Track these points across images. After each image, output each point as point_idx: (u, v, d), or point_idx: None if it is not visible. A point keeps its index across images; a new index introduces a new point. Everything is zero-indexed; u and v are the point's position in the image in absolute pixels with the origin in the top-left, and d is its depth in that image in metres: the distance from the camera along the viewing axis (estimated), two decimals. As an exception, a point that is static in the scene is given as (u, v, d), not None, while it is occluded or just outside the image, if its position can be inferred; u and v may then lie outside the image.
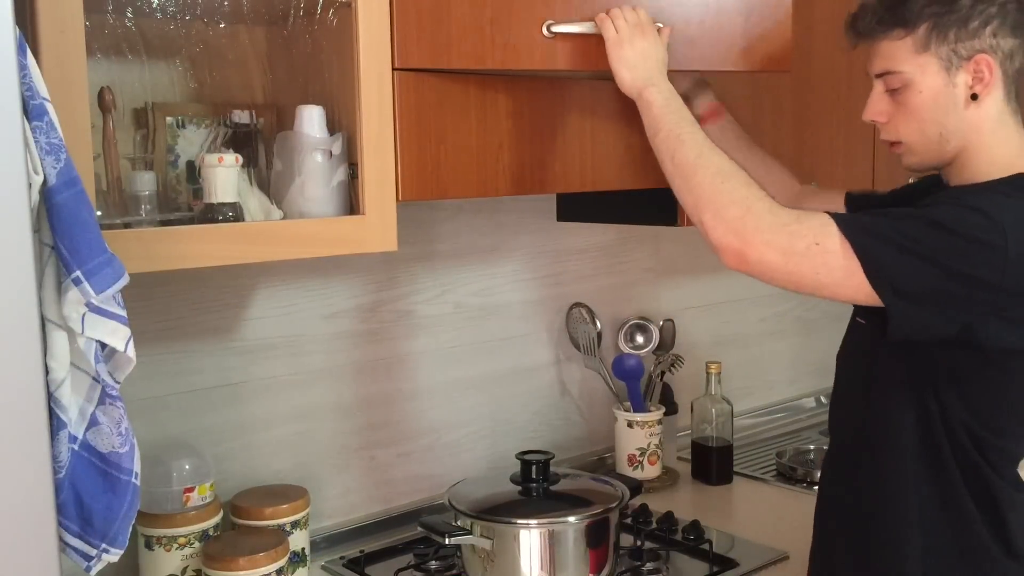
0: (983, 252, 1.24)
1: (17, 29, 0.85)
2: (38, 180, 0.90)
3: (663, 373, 2.19)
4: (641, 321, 2.24)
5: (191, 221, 1.36)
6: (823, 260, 1.27)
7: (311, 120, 1.39)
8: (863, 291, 1.27)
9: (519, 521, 1.57)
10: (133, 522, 1.04)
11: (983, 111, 1.35)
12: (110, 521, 1.01)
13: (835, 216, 1.29)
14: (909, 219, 1.28)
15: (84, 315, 0.96)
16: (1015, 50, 1.35)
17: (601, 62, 1.50)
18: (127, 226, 1.31)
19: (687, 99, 1.60)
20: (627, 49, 1.46)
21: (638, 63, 1.46)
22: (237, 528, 1.61)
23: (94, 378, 1.00)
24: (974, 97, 1.34)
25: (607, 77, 1.56)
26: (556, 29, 1.48)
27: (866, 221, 1.29)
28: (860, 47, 1.42)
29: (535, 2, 1.47)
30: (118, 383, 1.03)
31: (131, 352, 1.02)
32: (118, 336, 1.00)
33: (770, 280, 1.31)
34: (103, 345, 1.00)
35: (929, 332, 1.29)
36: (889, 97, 1.39)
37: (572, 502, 1.74)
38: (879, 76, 1.40)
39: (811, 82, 2.03)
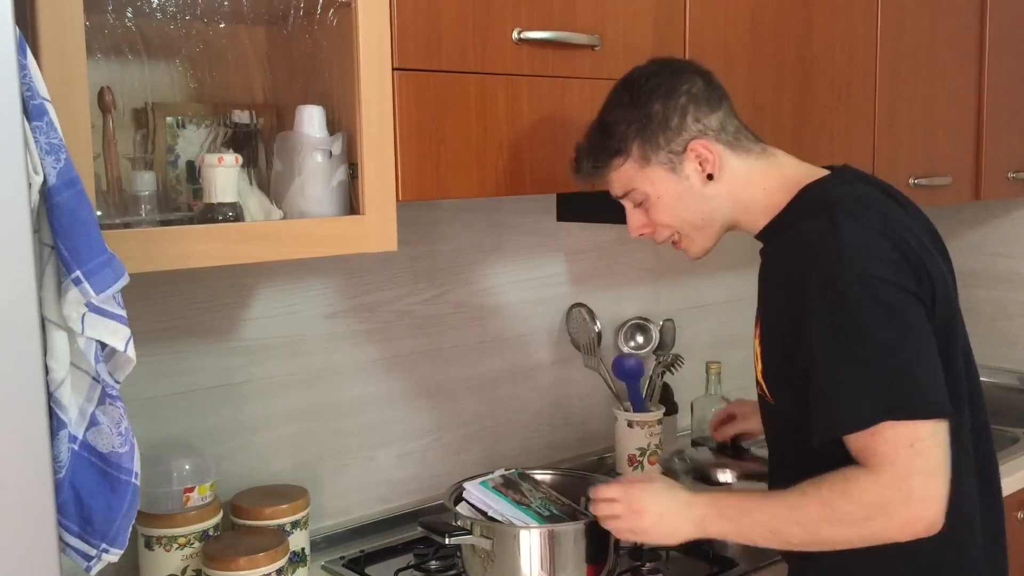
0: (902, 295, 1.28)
1: (17, 29, 0.85)
2: (38, 180, 0.90)
3: (663, 373, 2.19)
4: (641, 321, 2.24)
5: (191, 221, 1.36)
6: (926, 446, 1.24)
7: (311, 120, 1.39)
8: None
9: (519, 521, 1.57)
10: (133, 522, 1.04)
11: (727, 180, 1.42)
12: (110, 521, 1.01)
13: (854, 424, 1.26)
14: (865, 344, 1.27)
15: (84, 315, 0.96)
16: (723, 119, 1.43)
17: (563, 69, 1.56)
18: (127, 226, 1.31)
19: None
20: (646, 534, 1.43)
21: (663, 529, 1.41)
22: (237, 528, 1.61)
23: (94, 378, 1.00)
24: (710, 177, 1.42)
25: (605, 77, 1.56)
26: (525, 36, 1.52)
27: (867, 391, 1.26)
28: (596, 184, 1.49)
29: (507, 10, 1.50)
30: (118, 383, 1.03)
31: (131, 352, 1.02)
32: (118, 336, 1.00)
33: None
34: (103, 345, 1.00)
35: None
36: (641, 209, 1.47)
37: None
38: (621, 198, 1.48)
39: (811, 82, 2.03)
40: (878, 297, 1.26)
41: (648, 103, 1.41)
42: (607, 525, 1.46)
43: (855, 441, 1.27)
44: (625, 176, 1.44)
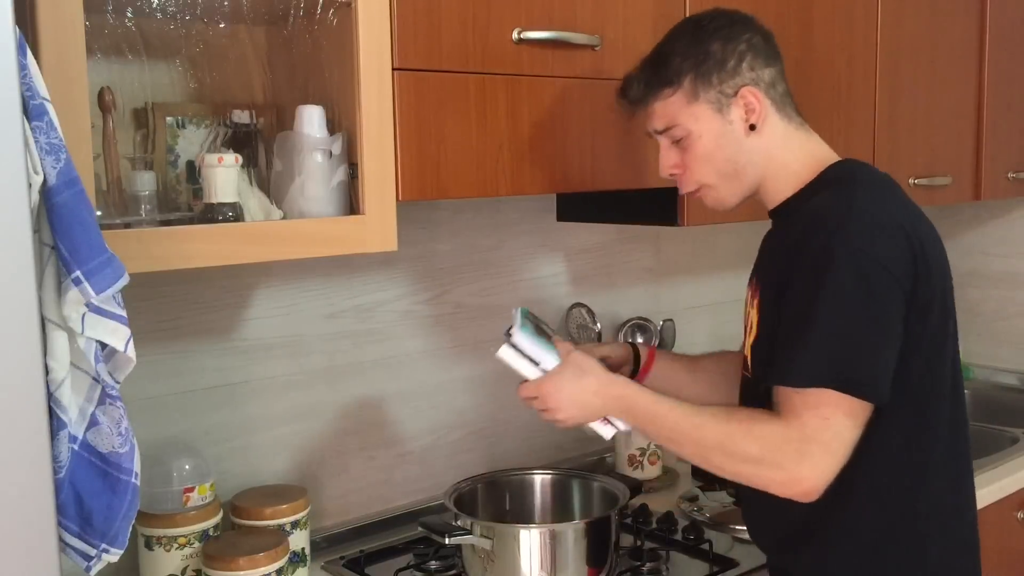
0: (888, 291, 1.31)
1: (17, 29, 0.85)
2: (38, 180, 0.90)
3: (663, 373, 2.19)
4: (641, 321, 2.24)
5: (191, 221, 1.36)
6: (840, 424, 1.29)
7: (311, 120, 1.39)
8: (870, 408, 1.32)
9: (519, 521, 1.57)
10: (133, 522, 1.04)
11: (766, 137, 1.44)
12: (110, 521, 1.01)
13: (789, 379, 1.32)
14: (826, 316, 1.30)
15: (84, 315, 0.96)
16: (775, 77, 1.45)
17: (563, 69, 1.56)
18: (127, 226, 1.31)
19: (624, 361, 1.66)
20: (561, 413, 1.44)
21: (574, 417, 1.44)
22: (237, 528, 1.61)
23: (94, 378, 1.00)
24: (753, 127, 1.43)
25: (605, 77, 1.56)
26: (525, 35, 1.52)
27: (810, 356, 1.30)
28: (637, 114, 1.49)
29: (507, 10, 1.50)
30: (118, 383, 1.03)
31: (131, 352, 1.02)
32: (118, 336, 1.00)
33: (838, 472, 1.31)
34: (103, 345, 1.00)
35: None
36: (677, 148, 1.46)
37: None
38: (660, 133, 1.47)
39: (811, 82, 2.02)
40: (864, 273, 1.29)
41: (708, 41, 1.42)
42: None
43: (783, 394, 1.32)
44: (671, 109, 1.44)
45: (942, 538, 1.42)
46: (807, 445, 1.29)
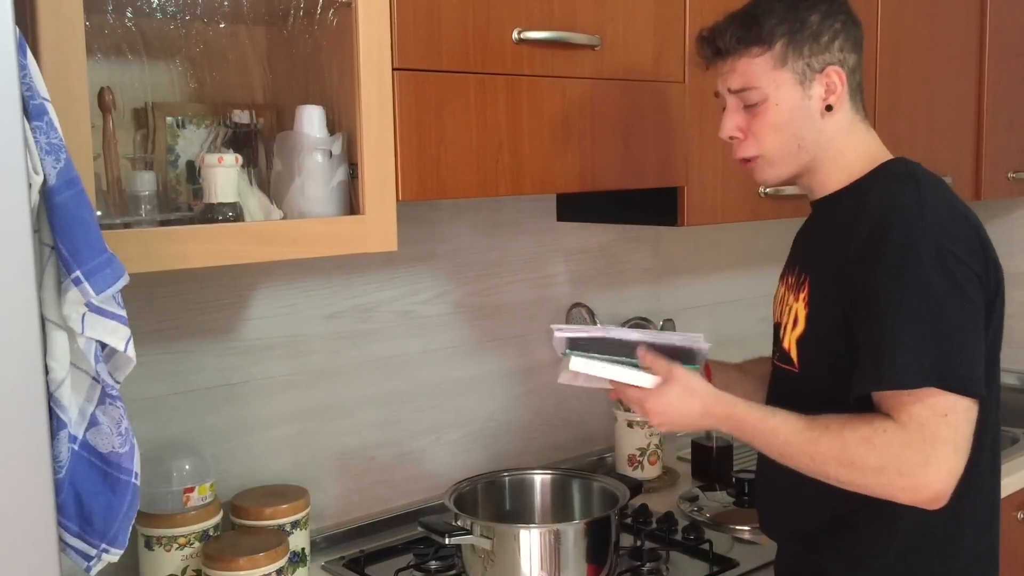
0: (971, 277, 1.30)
1: (17, 29, 0.85)
2: (38, 180, 0.90)
3: (663, 373, 2.19)
4: (641, 321, 2.23)
5: (191, 221, 1.36)
6: (959, 420, 1.26)
7: (311, 120, 1.39)
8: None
9: (519, 521, 1.57)
10: (133, 522, 1.04)
11: (836, 121, 1.42)
12: (110, 521, 1.01)
13: (897, 380, 1.27)
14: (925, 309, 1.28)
15: (84, 315, 0.96)
16: (856, 65, 1.44)
17: (563, 69, 1.54)
18: (127, 226, 1.31)
19: None
20: (664, 426, 1.41)
21: (679, 427, 1.42)
22: (237, 528, 1.61)
23: (94, 378, 1.00)
24: (829, 108, 1.41)
25: (605, 77, 1.56)
26: (525, 35, 1.52)
27: (910, 360, 1.26)
28: (713, 67, 1.45)
29: (507, 10, 1.50)
30: (118, 383, 1.03)
31: (131, 352, 1.02)
32: (118, 336, 1.00)
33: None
34: (103, 345, 1.00)
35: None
36: (745, 113, 1.43)
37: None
38: (735, 92, 1.43)
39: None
40: (950, 270, 1.28)
41: (808, 10, 1.40)
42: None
43: (893, 398, 1.27)
44: (755, 70, 1.40)
45: (977, 533, 1.41)
46: (930, 447, 1.24)
